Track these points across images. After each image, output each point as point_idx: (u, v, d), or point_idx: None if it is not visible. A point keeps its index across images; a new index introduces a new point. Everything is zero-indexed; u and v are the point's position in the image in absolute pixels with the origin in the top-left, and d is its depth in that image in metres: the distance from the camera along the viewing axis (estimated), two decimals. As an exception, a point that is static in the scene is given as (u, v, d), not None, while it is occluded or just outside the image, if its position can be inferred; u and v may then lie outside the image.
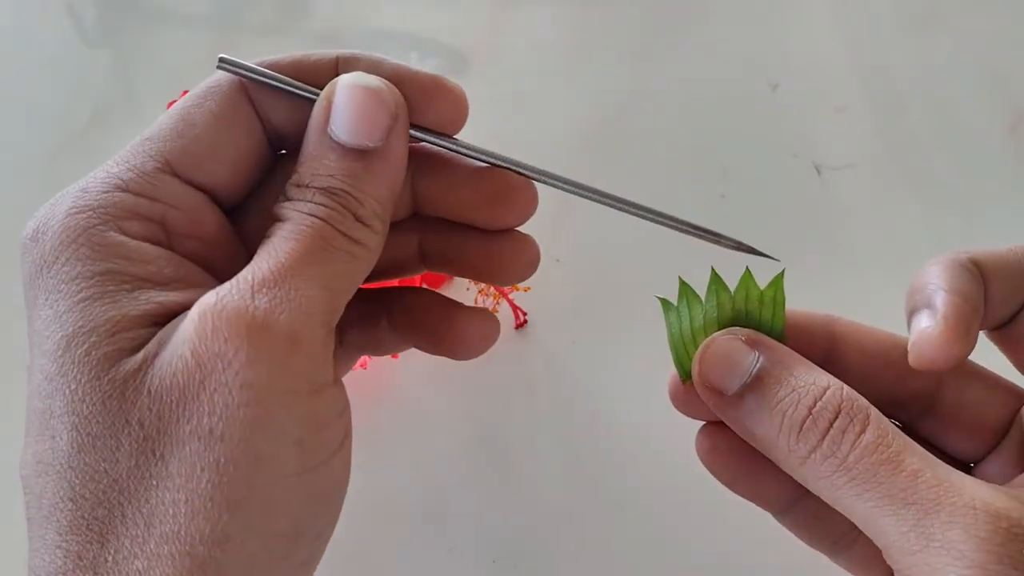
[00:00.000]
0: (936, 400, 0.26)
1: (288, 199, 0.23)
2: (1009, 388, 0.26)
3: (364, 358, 0.35)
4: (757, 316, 0.25)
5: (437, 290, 0.39)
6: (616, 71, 0.48)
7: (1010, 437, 0.25)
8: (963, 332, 0.22)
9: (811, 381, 0.22)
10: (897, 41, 0.48)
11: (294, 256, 0.22)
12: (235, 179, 0.25)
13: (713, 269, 0.25)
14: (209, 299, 0.21)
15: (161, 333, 0.21)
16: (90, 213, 0.22)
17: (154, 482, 0.20)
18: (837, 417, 0.22)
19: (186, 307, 0.21)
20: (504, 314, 0.39)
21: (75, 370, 0.20)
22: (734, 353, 0.24)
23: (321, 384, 0.22)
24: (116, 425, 0.20)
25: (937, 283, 0.23)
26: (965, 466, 0.26)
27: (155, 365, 0.20)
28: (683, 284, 0.25)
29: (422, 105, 0.25)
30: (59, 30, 0.52)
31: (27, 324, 0.22)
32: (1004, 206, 0.42)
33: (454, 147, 0.26)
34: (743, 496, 0.26)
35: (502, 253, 0.28)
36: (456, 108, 0.25)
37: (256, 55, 0.25)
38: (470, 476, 0.36)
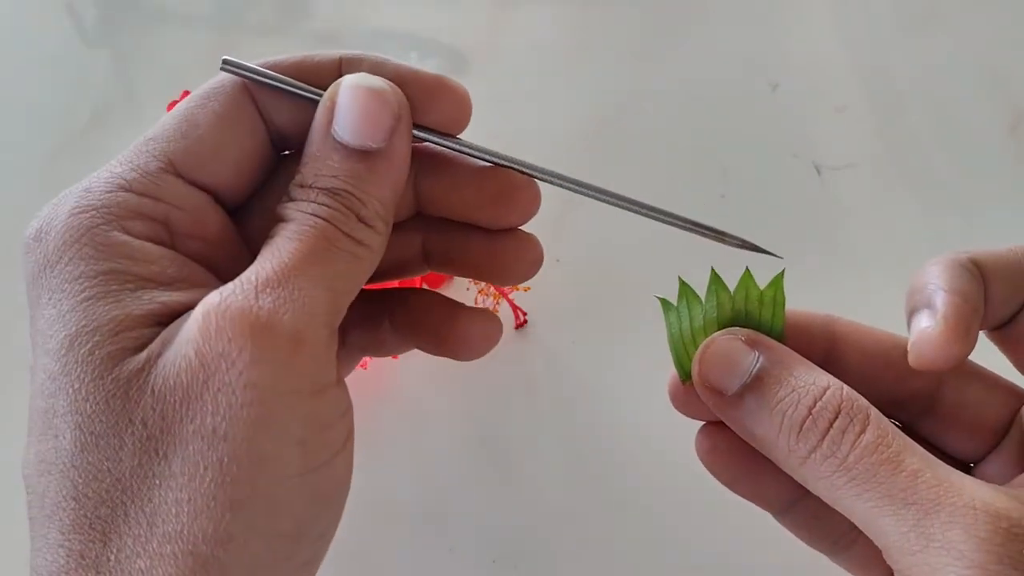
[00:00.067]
0: (936, 400, 0.26)
1: (291, 199, 0.23)
2: (1009, 388, 0.26)
3: (364, 358, 0.35)
4: (757, 316, 0.25)
5: (437, 290, 0.39)
6: (616, 71, 0.48)
7: (1010, 437, 0.25)
8: (963, 332, 0.22)
9: (811, 381, 0.22)
10: (897, 41, 0.48)
11: (297, 256, 0.22)
12: (238, 179, 0.25)
13: (713, 269, 0.25)
14: (213, 299, 0.21)
15: (165, 333, 0.21)
16: (93, 213, 0.22)
17: (157, 481, 0.20)
18: (837, 417, 0.22)
19: (189, 307, 0.21)
20: (504, 314, 0.39)
21: (78, 369, 0.20)
22: (734, 353, 0.24)
23: (324, 384, 0.22)
24: (119, 424, 0.20)
25: (937, 283, 0.23)
26: (965, 466, 0.26)
27: (159, 365, 0.20)
28: (683, 284, 0.25)
29: (425, 105, 0.25)
30: (59, 30, 0.52)
31: (30, 323, 0.22)
32: (1004, 206, 0.42)
33: (457, 147, 0.26)
34: (743, 496, 0.26)
35: (505, 252, 0.28)
36: (459, 108, 0.26)
37: (256, 55, 0.25)
38: (471, 476, 0.36)
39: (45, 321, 0.21)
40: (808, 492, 0.23)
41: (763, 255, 0.26)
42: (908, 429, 0.26)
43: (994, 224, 0.41)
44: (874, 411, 0.22)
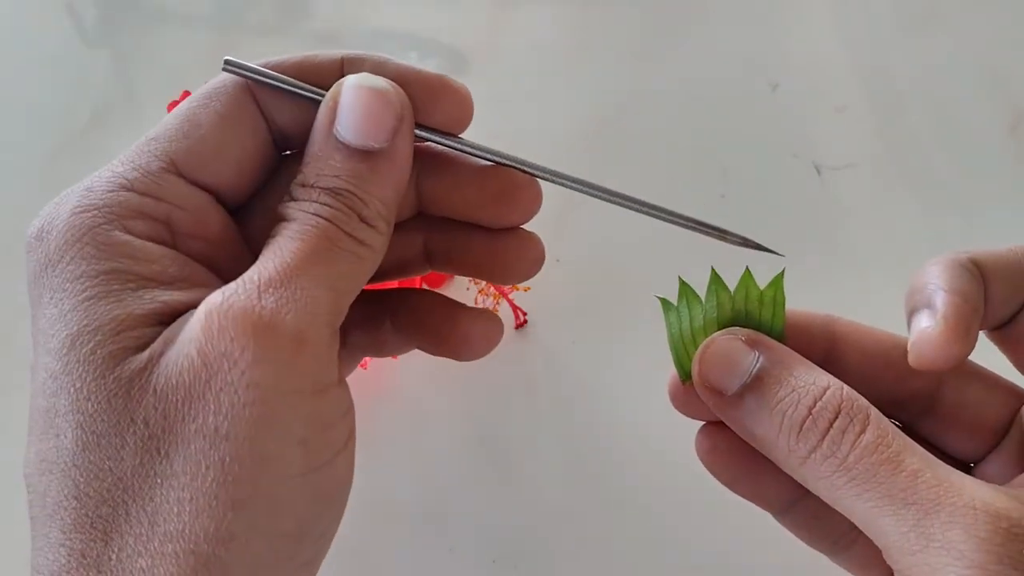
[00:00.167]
0: (936, 400, 0.26)
1: (293, 199, 0.23)
2: (1009, 388, 0.26)
3: (364, 358, 0.35)
4: (757, 316, 0.25)
5: (437, 289, 0.39)
6: (616, 71, 0.48)
7: (1010, 437, 0.25)
8: (963, 332, 0.22)
9: (811, 381, 0.22)
10: (897, 41, 0.49)
11: (300, 256, 0.22)
12: (240, 179, 0.25)
13: (713, 269, 0.25)
14: (216, 299, 0.21)
15: (166, 332, 0.21)
16: (95, 212, 0.22)
17: (159, 480, 0.20)
18: (837, 417, 0.22)
19: (191, 306, 0.21)
20: (504, 314, 0.39)
21: (80, 368, 0.20)
22: (734, 353, 0.24)
23: (326, 384, 0.22)
24: (121, 423, 0.20)
25: (937, 283, 0.23)
26: (965, 466, 0.26)
27: (161, 364, 0.20)
28: (683, 284, 0.25)
29: (427, 105, 0.25)
30: (59, 30, 0.52)
31: (31, 323, 0.22)
32: (1004, 206, 0.42)
33: (459, 146, 0.26)
34: (743, 496, 0.26)
35: (507, 251, 0.28)
36: (461, 108, 0.26)
37: (256, 55, 0.25)
38: (470, 476, 0.36)
39: (47, 320, 0.21)
40: (808, 492, 0.23)
41: (763, 255, 0.26)
42: (908, 429, 0.26)
43: (994, 224, 0.41)
44: (874, 411, 0.22)
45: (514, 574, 0.34)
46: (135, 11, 0.53)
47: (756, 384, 0.23)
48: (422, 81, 0.25)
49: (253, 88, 0.25)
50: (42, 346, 0.21)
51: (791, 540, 0.27)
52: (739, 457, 0.25)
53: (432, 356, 0.29)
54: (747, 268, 0.25)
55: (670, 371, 0.26)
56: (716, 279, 0.25)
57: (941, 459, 0.21)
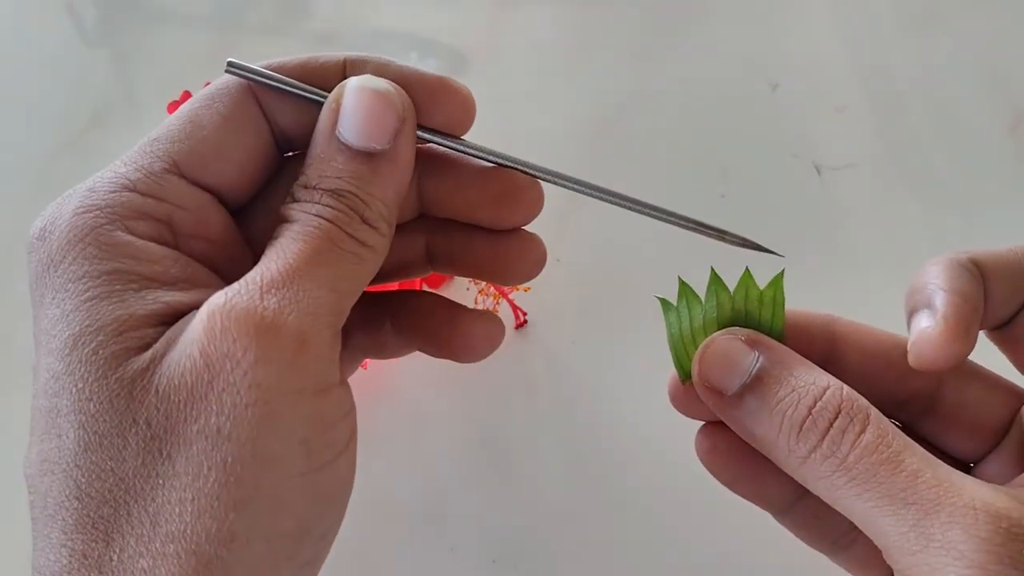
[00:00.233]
0: (936, 400, 0.26)
1: (295, 200, 0.23)
2: (1009, 388, 0.26)
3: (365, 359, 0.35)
4: (757, 316, 0.25)
5: (437, 290, 0.39)
6: (616, 71, 0.48)
7: (1010, 437, 0.25)
8: (963, 332, 0.22)
9: (811, 381, 0.22)
10: (897, 41, 0.49)
11: (302, 257, 0.22)
12: (242, 180, 0.25)
13: (713, 269, 0.25)
14: (218, 299, 0.21)
15: (169, 333, 0.21)
16: (97, 212, 0.22)
17: (160, 481, 0.20)
18: (837, 417, 0.22)
19: (193, 307, 0.21)
20: (504, 314, 0.39)
21: (82, 369, 0.20)
22: (734, 353, 0.24)
23: (328, 384, 0.22)
24: (123, 424, 0.20)
25: (937, 283, 0.23)
26: (965, 466, 0.26)
27: (163, 364, 0.20)
28: (683, 284, 0.25)
29: (429, 107, 0.25)
30: (59, 30, 0.52)
31: (33, 323, 0.22)
32: (1004, 206, 0.42)
33: (461, 148, 0.26)
34: (743, 496, 0.26)
35: (509, 253, 0.28)
36: (463, 109, 0.26)
37: (256, 55, 0.25)
38: (471, 476, 0.36)
39: (48, 320, 0.21)
40: (808, 492, 0.23)
41: (763, 255, 0.26)
42: (908, 429, 0.26)
43: (994, 224, 0.41)
44: (874, 411, 0.22)
45: (514, 574, 0.34)
46: (135, 11, 0.53)
47: (756, 384, 0.23)
48: (424, 83, 0.25)
49: (255, 90, 0.25)
50: (44, 346, 0.21)
51: (791, 540, 0.27)
52: (739, 457, 0.25)
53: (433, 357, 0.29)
54: (747, 268, 0.25)
55: (670, 371, 0.26)
56: (716, 279, 0.25)
57: (941, 459, 0.21)
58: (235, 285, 0.21)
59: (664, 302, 0.25)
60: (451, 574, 0.34)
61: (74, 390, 0.20)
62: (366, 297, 0.26)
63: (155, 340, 0.21)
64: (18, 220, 0.23)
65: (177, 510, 0.19)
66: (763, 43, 0.49)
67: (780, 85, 0.47)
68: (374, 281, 0.25)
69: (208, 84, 0.25)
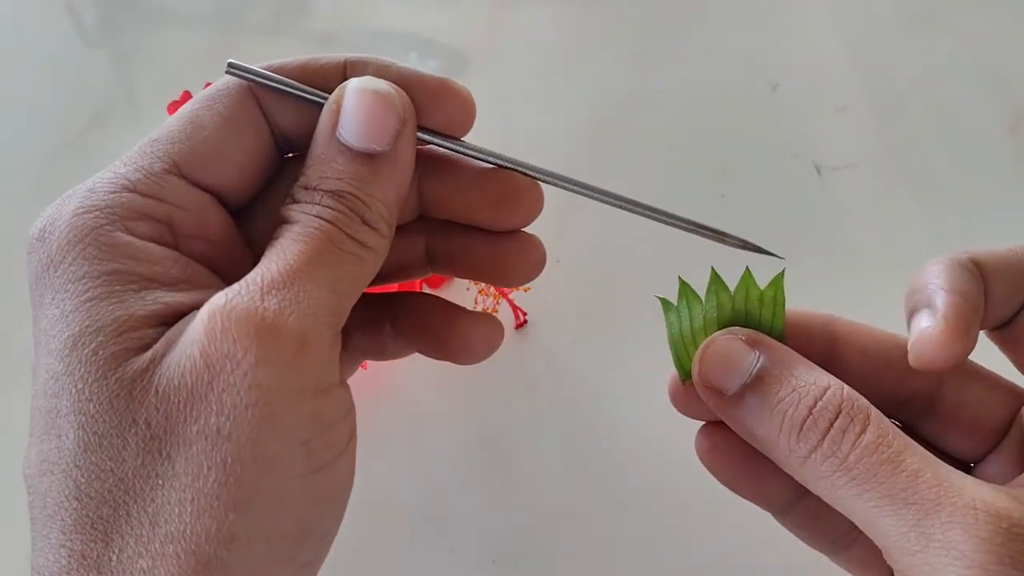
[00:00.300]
0: (936, 400, 0.26)
1: (295, 201, 0.23)
2: (1009, 388, 0.26)
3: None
4: (757, 316, 0.25)
5: (437, 290, 0.39)
6: (616, 71, 0.48)
7: (1010, 437, 0.25)
8: (963, 332, 0.22)
9: (811, 381, 0.22)
10: (897, 41, 0.49)
11: (302, 258, 0.22)
12: (242, 181, 0.25)
13: (713, 269, 0.25)
14: (219, 300, 0.21)
15: (169, 333, 0.21)
16: (97, 213, 0.22)
17: (160, 481, 0.20)
18: (838, 417, 0.22)
19: (192, 308, 0.21)
20: (504, 314, 0.39)
21: (82, 369, 0.20)
22: (734, 353, 0.24)
23: (328, 385, 0.22)
24: (123, 424, 0.20)
25: (937, 283, 0.23)
26: (965, 466, 0.26)
27: (163, 365, 0.20)
28: (683, 284, 0.25)
29: (430, 108, 0.25)
30: (59, 30, 0.52)
31: (33, 323, 0.22)
32: (1004, 206, 0.42)
33: (461, 149, 0.26)
34: (743, 496, 0.26)
35: (508, 254, 0.28)
36: (463, 110, 0.26)
37: (256, 55, 0.25)
38: (471, 476, 0.36)
39: (48, 321, 0.21)
40: (808, 492, 0.23)
41: (763, 255, 0.26)
42: (908, 429, 0.26)
43: (994, 224, 0.41)
44: (874, 411, 0.22)
45: (514, 574, 0.34)
46: (135, 11, 0.53)
47: (756, 384, 0.23)
48: (424, 84, 0.25)
49: (256, 91, 0.25)
50: (44, 347, 0.21)
51: (791, 540, 0.27)
52: (739, 457, 0.25)
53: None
54: (747, 268, 0.25)
55: (670, 371, 0.26)
56: (716, 279, 0.25)
57: (941, 459, 0.21)
58: (235, 286, 0.21)
59: (664, 302, 0.25)
60: (451, 574, 0.34)
61: (74, 390, 0.20)
62: (366, 298, 0.26)
63: (155, 341, 0.21)
64: (18, 220, 0.23)
65: (177, 510, 0.19)
66: (763, 43, 0.49)
67: (780, 85, 0.47)
68: (374, 282, 0.25)
69: (208, 85, 0.25)
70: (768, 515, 0.27)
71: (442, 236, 0.28)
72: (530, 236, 0.28)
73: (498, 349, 0.29)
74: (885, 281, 0.32)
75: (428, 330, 0.29)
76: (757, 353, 0.23)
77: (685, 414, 0.26)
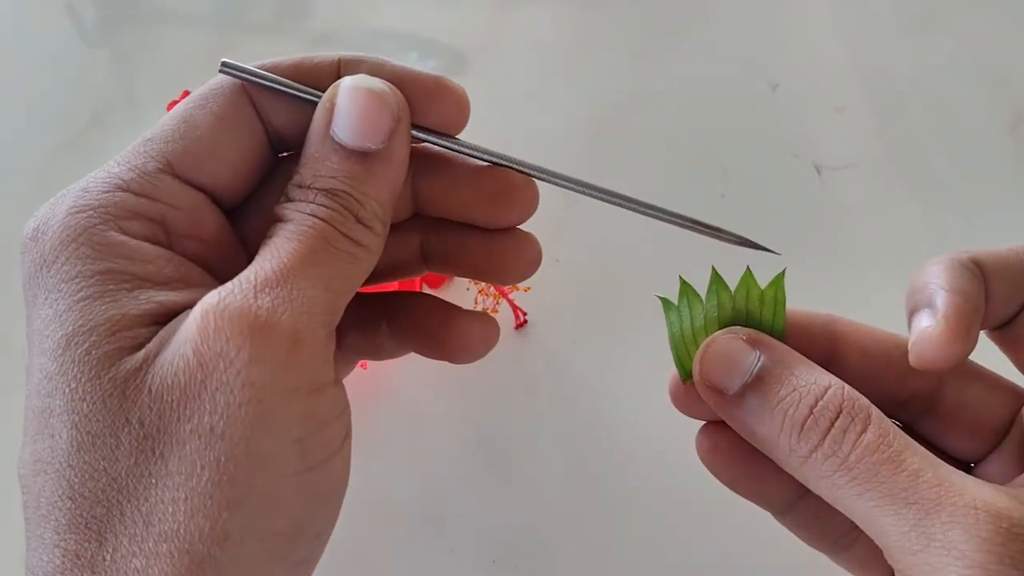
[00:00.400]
0: (936, 400, 0.26)
1: (289, 200, 0.23)
2: (1009, 388, 0.25)
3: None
4: (758, 315, 0.25)
5: (437, 290, 0.39)
6: (616, 71, 0.48)
7: (1010, 437, 0.25)
8: (963, 332, 0.22)
9: (812, 380, 0.22)
10: (897, 41, 0.49)
11: (296, 257, 0.22)
12: (236, 180, 0.25)
13: (714, 268, 0.25)
14: (212, 299, 0.21)
15: (162, 332, 0.21)
16: (90, 212, 0.22)
17: (153, 480, 0.20)
18: (838, 417, 0.22)
19: (186, 307, 0.21)
20: (504, 314, 0.39)
21: (75, 369, 0.20)
22: (735, 352, 0.24)
23: (322, 383, 0.22)
24: (116, 424, 0.20)
25: (937, 283, 0.23)
26: (965, 466, 0.26)
27: (156, 364, 0.20)
28: (683, 283, 0.25)
29: (424, 106, 0.25)
30: (59, 30, 0.52)
31: (26, 323, 0.22)
32: (1004, 206, 0.42)
33: (455, 147, 0.26)
34: (743, 496, 0.26)
35: (504, 252, 0.28)
36: (458, 109, 0.26)
37: (256, 55, 0.25)
38: (470, 476, 0.36)
39: (42, 321, 0.21)
40: (808, 492, 0.23)
41: (763, 254, 0.26)
42: (908, 429, 0.26)
43: (994, 224, 0.41)
44: (875, 411, 0.22)
45: (514, 574, 0.34)
46: (135, 11, 0.53)
47: (757, 383, 0.23)
48: (419, 82, 0.25)
49: (250, 90, 0.25)
50: (37, 346, 0.21)
51: (791, 540, 0.27)
52: (739, 457, 0.25)
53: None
54: (748, 268, 0.25)
55: (671, 371, 0.26)
56: (717, 279, 0.25)
57: (942, 459, 0.21)
58: (229, 284, 0.21)
59: (665, 301, 0.25)
60: (450, 574, 0.34)
61: (67, 390, 0.20)
62: (361, 298, 0.26)
63: (148, 340, 0.21)
64: (18, 220, 0.23)
65: (170, 509, 0.19)
66: (763, 43, 0.49)
67: (780, 85, 0.47)
68: (368, 281, 0.25)
69: (205, 85, 0.25)
70: (768, 515, 0.27)
71: (437, 234, 0.28)
72: (525, 234, 0.28)
73: (496, 347, 0.29)
74: (885, 281, 0.32)
75: (424, 329, 0.29)
76: (758, 353, 0.23)
77: (686, 414, 0.26)
